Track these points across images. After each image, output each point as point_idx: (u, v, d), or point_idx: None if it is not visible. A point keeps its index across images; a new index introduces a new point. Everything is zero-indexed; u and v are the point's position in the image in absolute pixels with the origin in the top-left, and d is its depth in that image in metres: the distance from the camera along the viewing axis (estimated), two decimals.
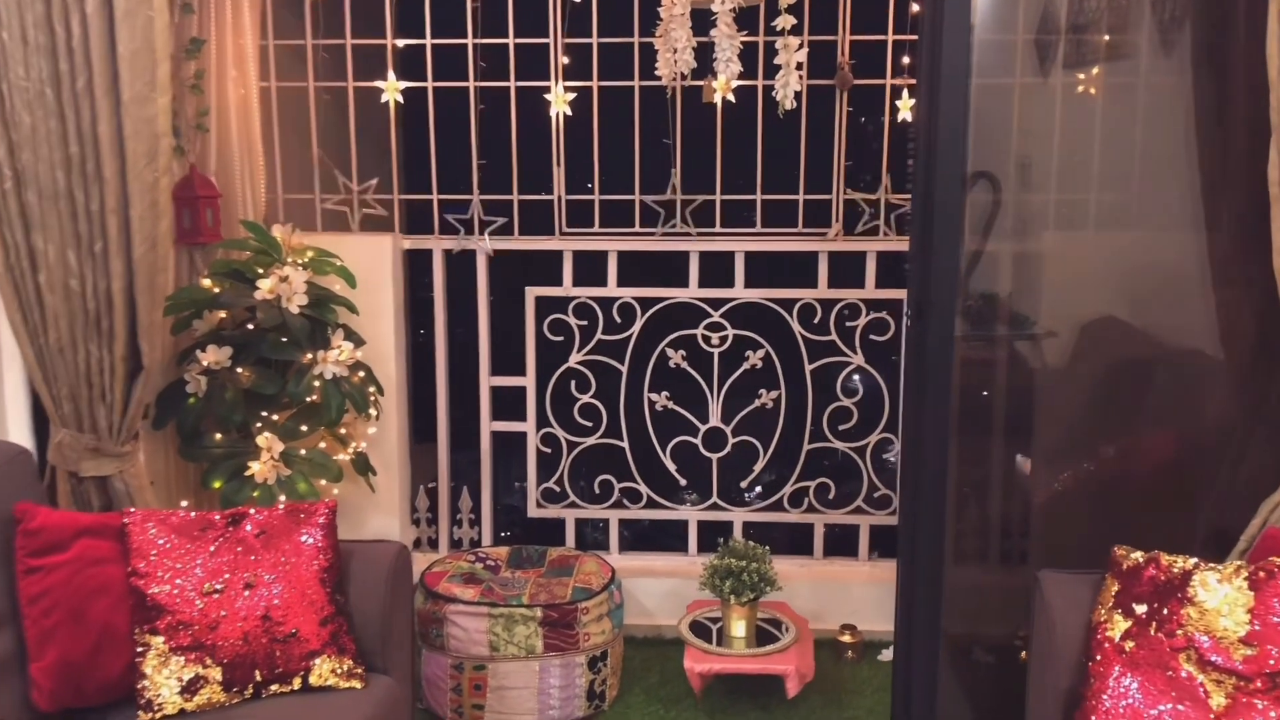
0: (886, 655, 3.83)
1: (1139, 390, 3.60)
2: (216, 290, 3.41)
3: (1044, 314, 3.73)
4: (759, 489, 4.11)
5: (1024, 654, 3.56)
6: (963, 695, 3.31)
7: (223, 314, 3.47)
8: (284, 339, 3.37)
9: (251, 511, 2.66)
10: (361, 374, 3.53)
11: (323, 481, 3.50)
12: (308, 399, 3.41)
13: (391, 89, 3.83)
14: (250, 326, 3.39)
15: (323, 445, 3.60)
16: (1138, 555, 2.60)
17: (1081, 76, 3.65)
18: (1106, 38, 3.63)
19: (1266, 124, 2.65)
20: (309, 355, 3.39)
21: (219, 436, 3.39)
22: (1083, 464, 3.62)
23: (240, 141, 3.65)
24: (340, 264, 3.57)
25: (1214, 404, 3.45)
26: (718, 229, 3.93)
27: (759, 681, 3.50)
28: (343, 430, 3.57)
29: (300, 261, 3.51)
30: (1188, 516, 3.41)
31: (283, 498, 3.37)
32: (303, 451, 3.46)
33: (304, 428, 3.45)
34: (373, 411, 3.57)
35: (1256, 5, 2.72)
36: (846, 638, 3.81)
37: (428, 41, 3.84)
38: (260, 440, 3.35)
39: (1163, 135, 3.53)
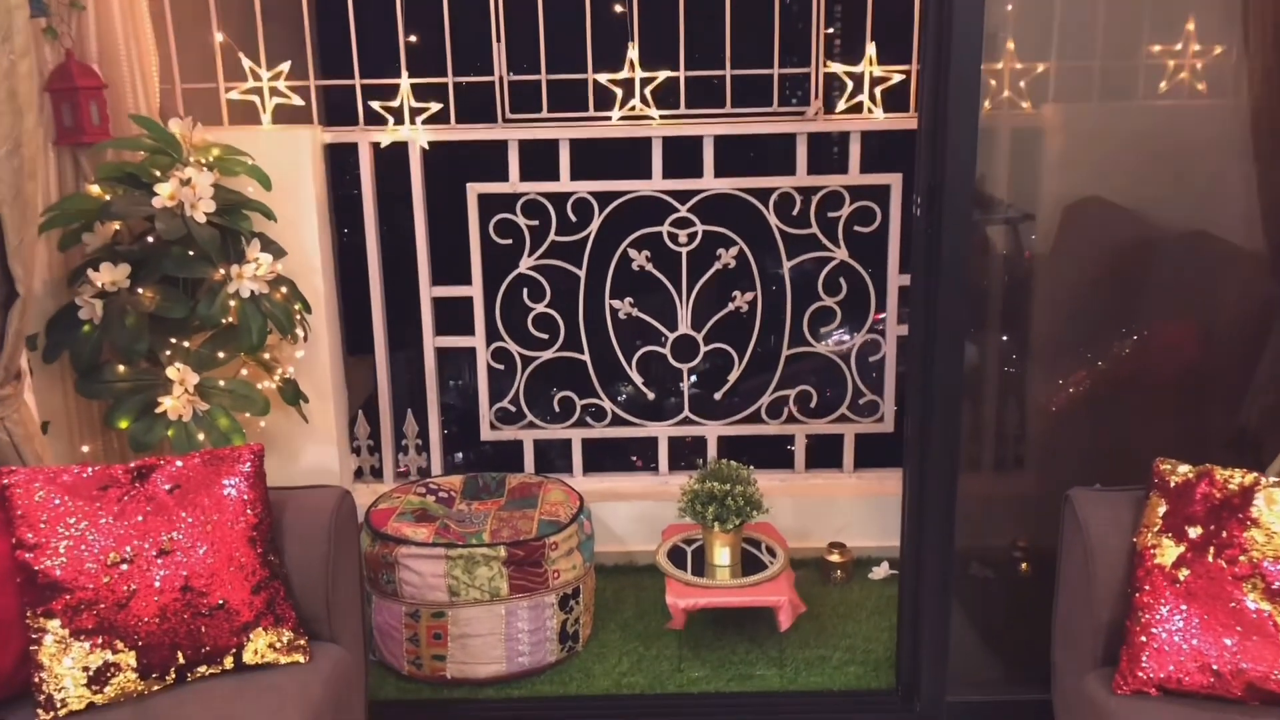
0: (878, 573, 3.56)
1: (1148, 278, 3.30)
2: (107, 198, 2.92)
3: (1043, 196, 3.41)
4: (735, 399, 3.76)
5: (1024, 565, 3.34)
6: (963, 613, 3.04)
7: (116, 226, 2.99)
8: (190, 252, 2.91)
9: (161, 462, 2.23)
10: (284, 290, 3.08)
11: (247, 415, 3.07)
12: (223, 321, 2.96)
13: None
14: (150, 240, 2.91)
15: (244, 373, 3.17)
16: (1186, 469, 2.31)
17: None
18: None
19: None
20: (221, 271, 2.93)
21: (122, 369, 2.94)
22: (1087, 360, 3.34)
23: (125, 21, 3.11)
24: (251, 163, 3.09)
25: (1235, 291, 3.17)
26: (682, 111, 3.48)
27: (746, 611, 3.20)
28: (266, 355, 3.13)
29: (205, 161, 3.02)
30: (1206, 418, 3.15)
31: (201, 435, 2.94)
32: (221, 382, 3.02)
33: (221, 354, 3.01)
34: (299, 332, 3.13)
35: None
36: (835, 557, 3.52)
37: None
38: (171, 371, 2.91)
39: None
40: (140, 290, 2.88)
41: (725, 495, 3.03)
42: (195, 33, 3.40)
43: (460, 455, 4.65)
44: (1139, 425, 3.16)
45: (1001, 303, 3.53)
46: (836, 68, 3.41)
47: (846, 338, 3.68)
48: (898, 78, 3.39)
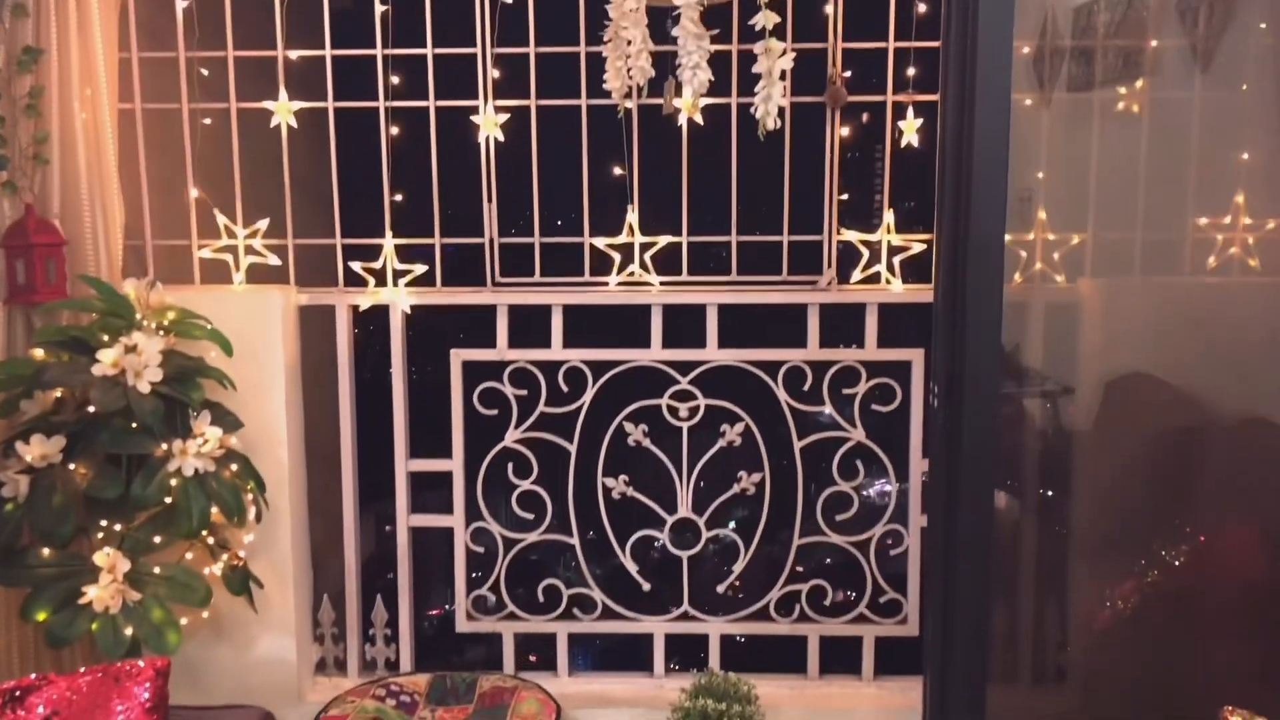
0: None
1: (1203, 469, 2.95)
2: (51, 362, 2.69)
3: (1083, 370, 3.12)
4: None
5: None
6: None
7: (57, 393, 2.73)
8: (132, 425, 2.64)
9: (41, 682, 1.91)
10: (234, 467, 2.79)
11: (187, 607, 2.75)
12: (163, 501, 2.67)
13: (283, 110, 3.12)
14: (91, 410, 2.65)
15: (189, 556, 2.86)
16: None
17: (1122, 91, 3.03)
18: (1152, 43, 3.02)
19: None
20: (164, 446, 2.65)
21: (46, 552, 2.64)
22: (1136, 566, 2.96)
23: (91, 176, 2.94)
24: (210, 327, 2.86)
25: None
26: (685, 277, 3.22)
27: None
28: (211, 540, 2.82)
29: (160, 325, 2.78)
30: (1273, 639, 2.74)
31: (130, 630, 2.62)
32: (157, 569, 2.72)
33: (158, 539, 2.71)
34: (250, 514, 2.83)
35: None
36: None
37: (327, 53, 3.14)
38: (99, 557, 2.61)
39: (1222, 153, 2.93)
40: (73, 466, 2.61)
41: (720, 715, 2.64)
42: (171, 186, 3.22)
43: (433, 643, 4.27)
44: (1198, 644, 2.76)
45: (1038, 487, 3.19)
46: (851, 236, 3.15)
47: (887, 487, 3.33)
48: (918, 247, 3.13)
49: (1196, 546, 2.84)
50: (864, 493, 3.40)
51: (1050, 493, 3.17)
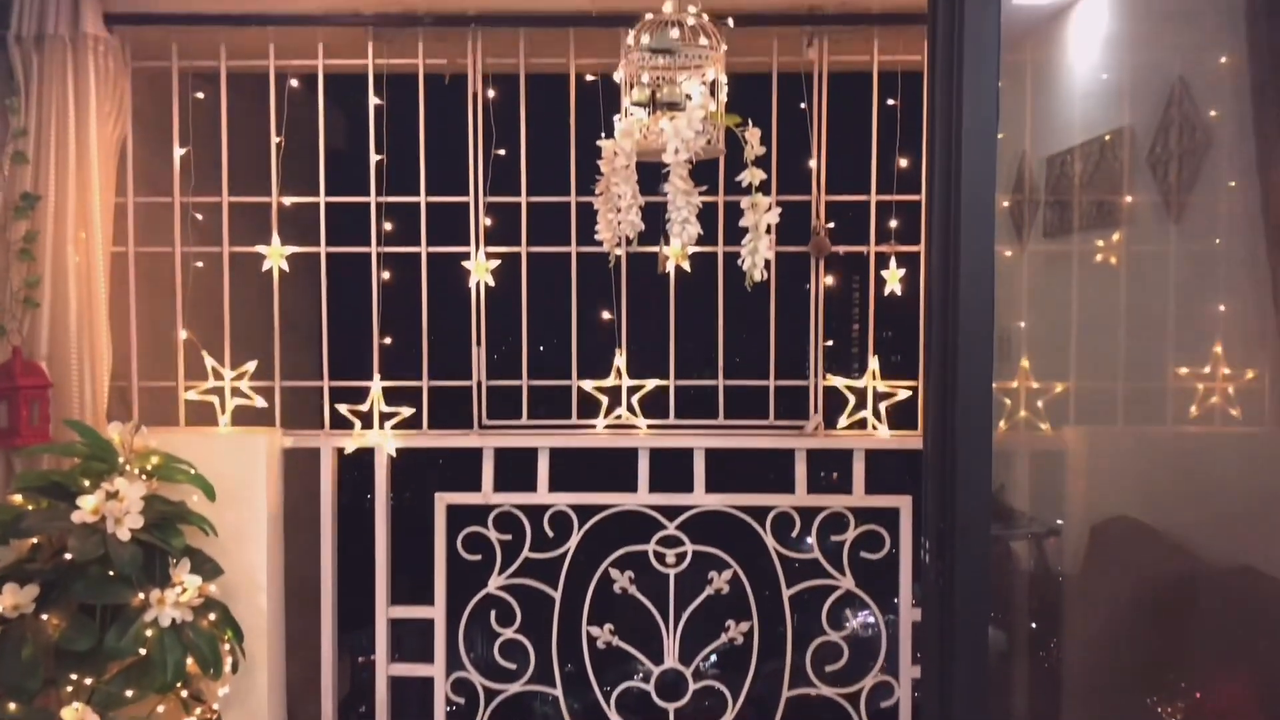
0: None
1: (1193, 618, 2.92)
2: (30, 508, 2.65)
3: (1070, 515, 3.13)
4: None
5: None
6: None
7: (34, 540, 2.68)
8: (109, 574, 2.58)
9: None
10: (212, 616, 2.73)
11: None
12: (137, 653, 2.60)
13: (275, 254, 3.15)
14: (68, 557, 2.60)
15: (161, 710, 2.76)
16: None
17: (1099, 244, 3.11)
18: (1124, 199, 3.11)
19: None
20: (140, 596, 2.60)
21: (13, 706, 2.55)
22: (1127, 713, 2.91)
23: (81, 318, 2.94)
24: (194, 472, 2.83)
25: None
26: (672, 421, 3.23)
27: None
28: (183, 693, 2.74)
29: (143, 470, 2.75)
30: None
31: None
32: None
33: (130, 692, 2.63)
34: (226, 665, 2.75)
35: None
36: None
37: (321, 199, 3.19)
38: (67, 714, 2.52)
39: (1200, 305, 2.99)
40: (45, 616, 2.55)
41: None
42: (159, 327, 3.22)
43: None
44: None
45: (1028, 632, 3.15)
46: (837, 382, 3.18)
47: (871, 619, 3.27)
48: (904, 393, 3.15)
49: (1192, 703, 2.80)
50: (860, 624, 3.35)
51: (1041, 637, 3.14)
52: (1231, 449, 3.03)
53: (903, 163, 3.12)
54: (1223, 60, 2.61)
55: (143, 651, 2.61)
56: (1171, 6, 2.86)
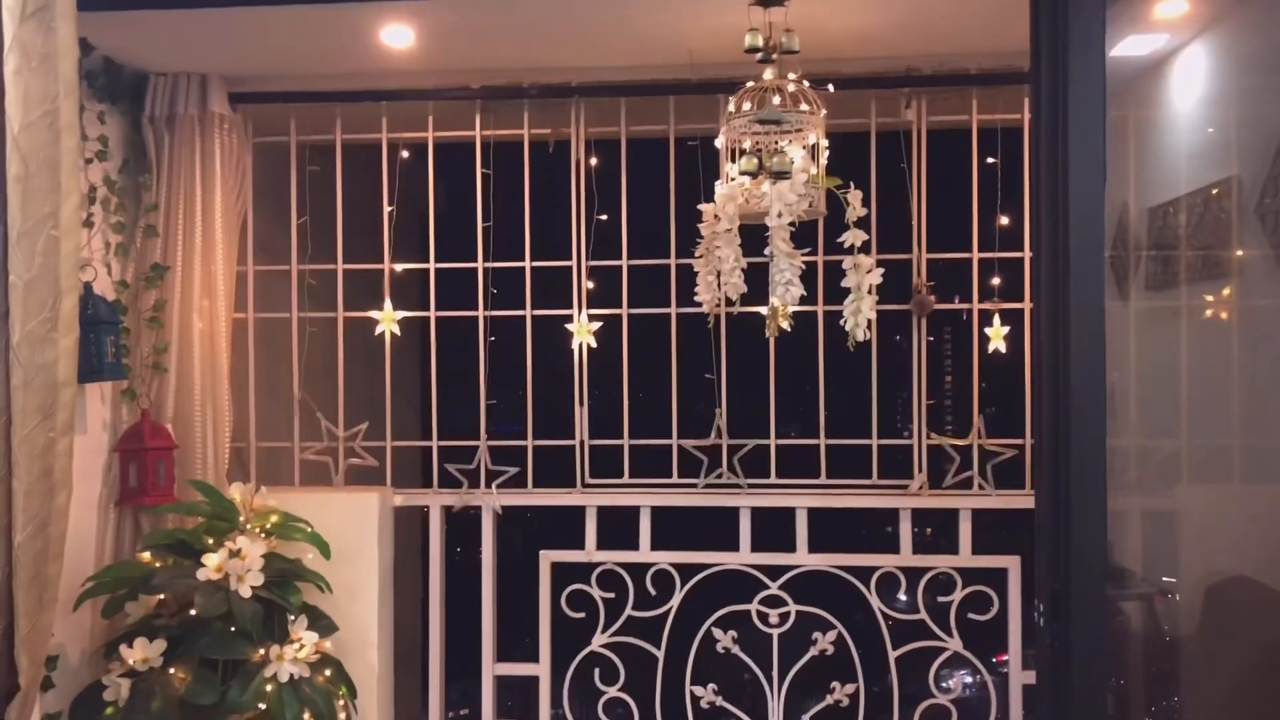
0: None
1: None
2: (156, 565, 2.76)
3: (1184, 575, 3.04)
4: None
5: None
6: None
7: (161, 596, 2.79)
8: (231, 629, 2.67)
9: None
10: (328, 672, 2.80)
11: None
12: (258, 707, 2.68)
13: (387, 319, 3.27)
14: (193, 613, 2.69)
15: None
16: None
17: (1210, 299, 3.05)
18: (1235, 252, 3.05)
19: None
20: (261, 651, 2.68)
21: None
22: None
23: (205, 383, 3.08)
24: (310, 530, 2.93)
25: None
26: (773, 480, 3.23)
27: None
28: None
29: (262, 528, 2.85)
30: None
31: None
32: None
33: None
34: None
35: None
36: None
37: (431, 266, 3.30)
38: None
39: None
40: (173, 670, 2.64)
41: None
42: (276, 390, 3.35)
43: None
44: None
45: (1144, 697, 3.05)
46: (941, 440, 3.15)
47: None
48: (1010, 452, 3.11)
49: None
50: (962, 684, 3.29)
51: (1157, 701, 3.04)
52: None
53: (1004, 220, 3.11)
54: None
55: (262, 706, 2.68)
56: (1274, 58, 2.82)
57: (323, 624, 2.84)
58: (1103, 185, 2.24)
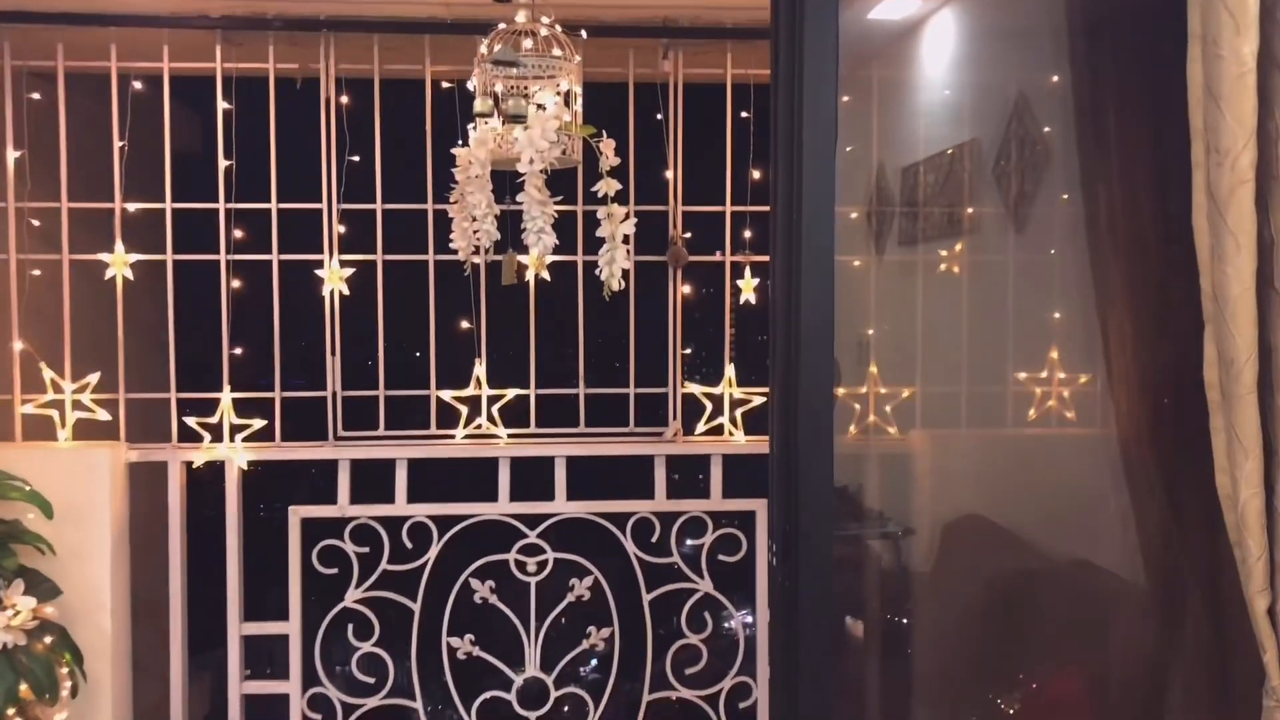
0: None
1: (1035, 610, 3.06)
2: None
3: (921, 514, 3.23)
4: None
5: None
6: None
7: None
8: None
9: None
10: (48, 639, 2.62)
11: None
12: None
13: (119, 262, 3.05)
14: None
15: None
16: None
17: (944, 254, 3.23)
18: (969, 210, 3.24)
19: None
20: None
21: None
22: (972, 706, 3.02)
23: None
24: (29, 489, 2.71)
25: (1124, 632, 2.92)
26: (533, 430, 3.23)
27: None
28: (18, 719, 2.62)
29: None
30: None
31: None
32: None
33: None
34: (65, 690, 2.64)
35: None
36: None
37: (167, 205, 3.09)
38: None
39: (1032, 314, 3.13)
40: None
41: None
42: None
43: None
44: None
45: (880, 632, 3.24)
46: (694, 389, 3.22)
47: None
48: (759, 399, 3.22)
49: (1029, 694, 2.92)
50: (719, 641, 3.41)
51: (892, 632, 3.23)
52: (1067, 450, 3.18)
53: (756, 174, 3.19)
54: (1055, 79, 2.73)
55: None
56: (1010, 25, 2.99)
57: (44, 588, 2.65)
58: (834, 142, 2.30)
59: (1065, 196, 3.22)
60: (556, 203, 2.61)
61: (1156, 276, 2.81)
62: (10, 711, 2.57)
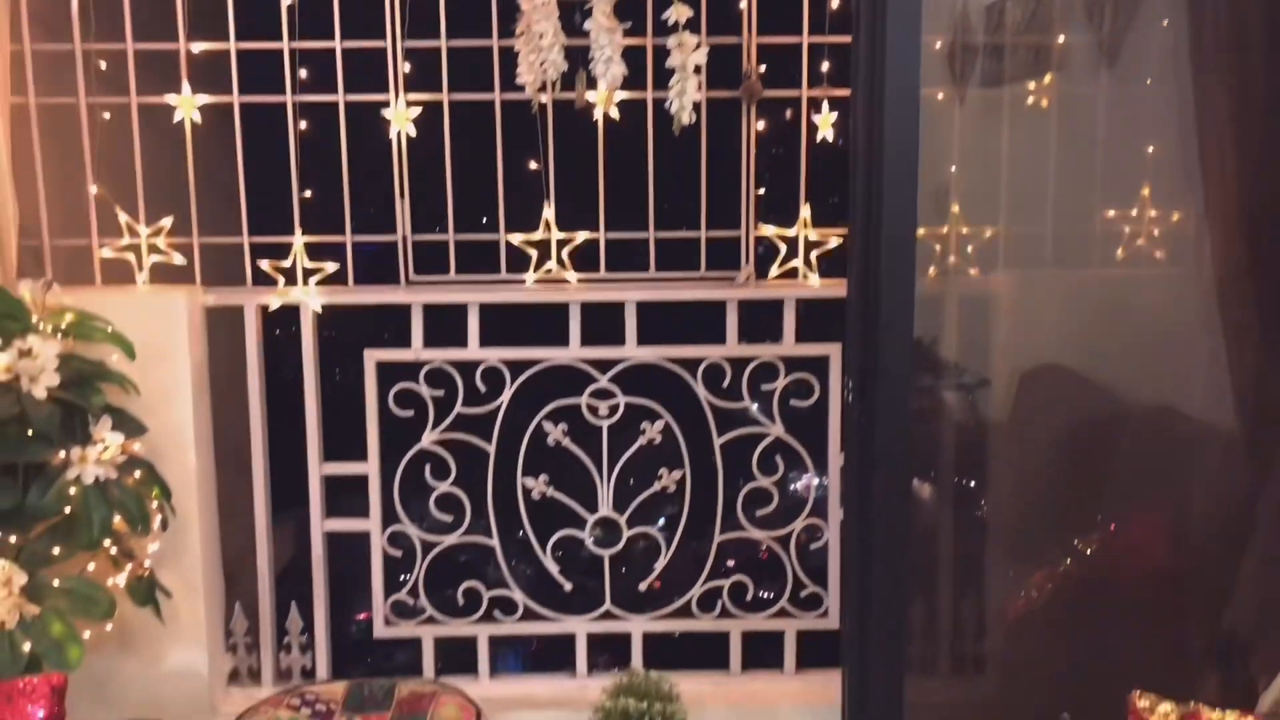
0: None
1: (1113, 458, 3.01)
2: None
3: (998, 363, 3.16)
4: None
5: None
6: None
7: None
8: (28, 432, 2.53)
9: None
10: (139, 473, 2.70)
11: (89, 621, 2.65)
12: (62, 511, 2.57)
13: (186, 105, 3.03)
14: None
15: (91, 568, 2.76)
16: (1168, 709, 1.94)
17: (1032, 87, 3.07)
18: (1060, 39, 3.06)
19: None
20: (62, 454, 2.55)
21: None
22: (1051, 555, 3.01)
23: None
24: (111, 329, 2.75)
25: (1208, 478, 2.86)
26: (603, 275, 3.19)
27: None
28: (114, 549, 2.73)
29: (58, 327, 2.67)
30: (1185, 624, 2.80)
31: (28, 645, 2.51)
32: (57, 582, 2.61)
33: (57, 550, 2.61)
34: (155, 522, 2.74)
35: None
36: None
37: (231, 46, 3.04)
38: None
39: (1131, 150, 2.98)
40: None
41: (642, 715, 2.62)
42: (69, 183, 3.10)
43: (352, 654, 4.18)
44: (1110, 629, 2.80)
45: (954, 480, 3.22)
46: (769, 230, 3.15)
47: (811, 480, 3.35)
48: (835, 241, 3.14)
49: (1107, 536, 2.90)
50: (790, 486, 3.42)
51: (966, 484, 3.21)
52: (1155, 291, 3.07)
53: (834, 3, 3.03)
54: None
55: (67, 510, 2.58)
56: None
57: (130, 425, 2.72)
58: None
59: (1165, 22, 3.02)
60: (625, 33, 2.52)
61: (1260, 105, 2.65)
62: (106, 542, 2.67)
